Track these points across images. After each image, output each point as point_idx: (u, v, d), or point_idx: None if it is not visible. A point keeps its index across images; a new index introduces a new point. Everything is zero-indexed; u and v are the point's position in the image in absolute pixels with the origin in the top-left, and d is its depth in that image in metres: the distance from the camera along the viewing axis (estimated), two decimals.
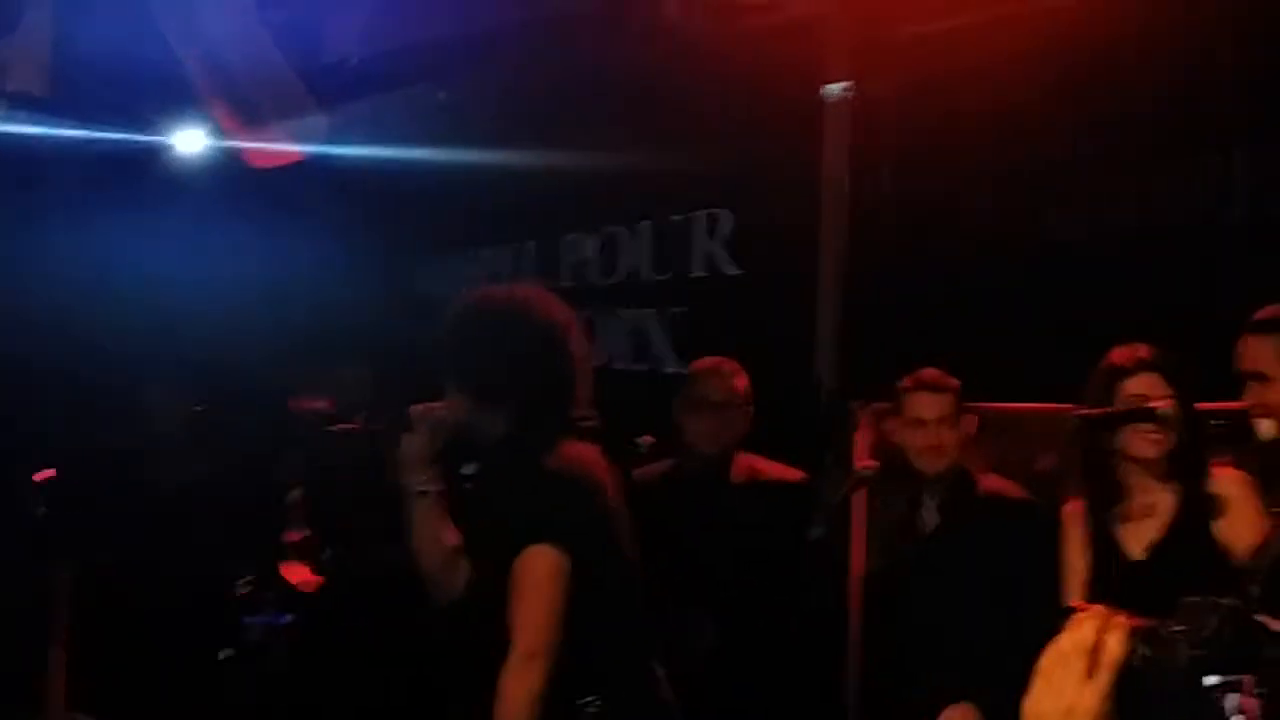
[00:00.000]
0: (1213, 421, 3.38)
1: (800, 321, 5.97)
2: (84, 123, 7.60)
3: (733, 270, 6.54)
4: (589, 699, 3.28)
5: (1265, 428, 3.10)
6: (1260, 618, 1.43)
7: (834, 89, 5.93)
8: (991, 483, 4.45)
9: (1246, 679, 1.40)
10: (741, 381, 4.87)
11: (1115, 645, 1.43)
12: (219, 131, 8.06)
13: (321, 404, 5.20)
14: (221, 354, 6.62)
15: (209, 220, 7.94)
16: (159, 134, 8.19)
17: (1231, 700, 1.40)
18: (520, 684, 3.17)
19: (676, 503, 4.80)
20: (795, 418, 5.65)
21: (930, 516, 4.41)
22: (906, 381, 4.46)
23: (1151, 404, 3.59)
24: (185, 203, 8.05)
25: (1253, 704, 1.39)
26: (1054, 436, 4.08)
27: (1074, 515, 3.85)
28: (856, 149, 5.93)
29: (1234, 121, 4.90)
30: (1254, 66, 4.82)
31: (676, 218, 6.77)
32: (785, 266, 6.19)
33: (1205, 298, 4.69)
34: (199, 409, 5.39)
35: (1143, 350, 3.74)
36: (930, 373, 4.44)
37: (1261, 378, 3.50)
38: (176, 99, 7.80)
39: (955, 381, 4.41)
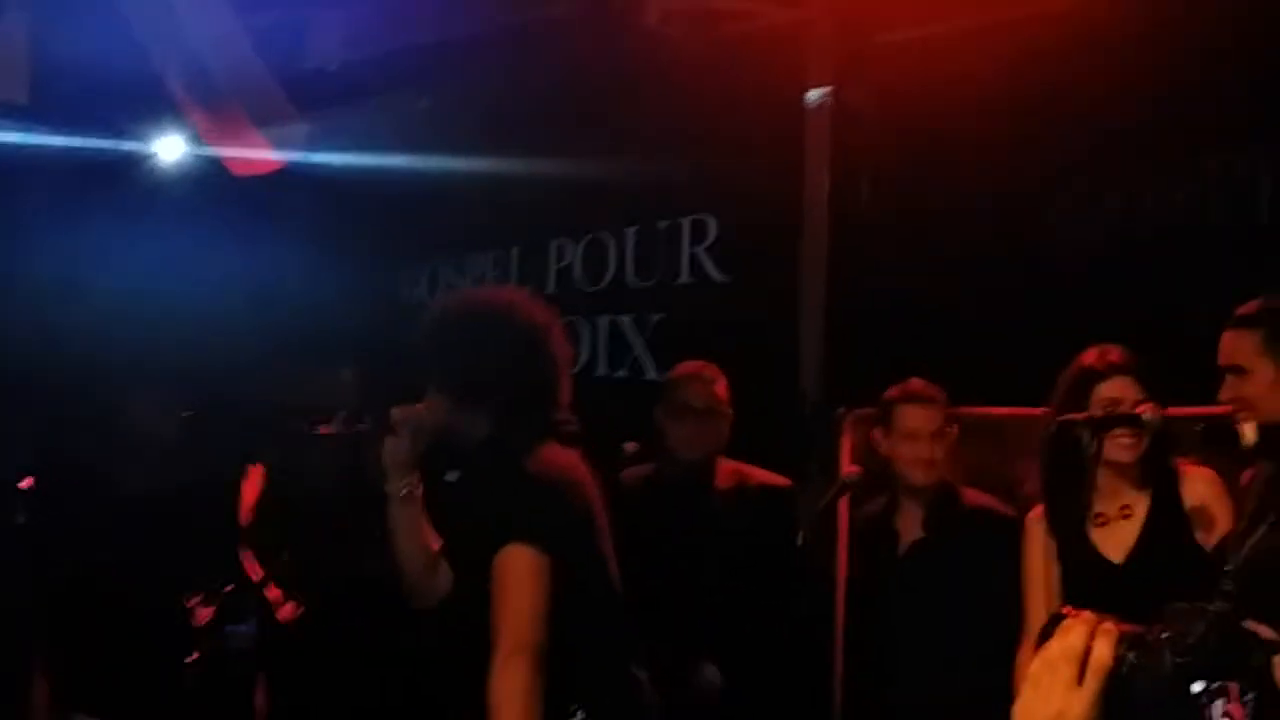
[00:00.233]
0: (1197, 426, 3.39)
1: (784, 327, 5.97)
2: (63, 130, 7.58)
3: (716, 276, 6.54)
4: (573, 708, 3.27)
5: (1249, 433, 3.10)
6: (1249, 624, 1.43)
7: (815, 95, 5.94)
8: (975, 497, 4.47)
9: (1233, 686, 1.40)
10: (722, 386, 4.86)
11: (1104, 651, 1.43)
12: (199, 139, 8.04)
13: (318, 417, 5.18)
14: (205, 361, 6.60)
15: (190, 228, 7.91)
16: (139, 141, 8.17)
17: (1218, 707, 1.40)
18: (510, 682, 3.15)
19: (662, 507, 4.79)
20: (780, 424, 5.65)
21: (912, 528, 4.41)
22: (894, 392, 4.46)
23: (1136, 409, 3.60)
24: (166, 210, 8.02)
25: (1239, 710, 1.40)
26: (1033, 441, 4.08)
27: (1038, 521, 3.85)
28: (837, 155, 5.93)
29: (1218, 127, 4.92)
30: (1236, 73, 4.84)
31: (662, 224, 6.77)
32: (769, 272, 6.20)
33: (1191, 301, 4.71)
34: (185, 415, 5.37)
35: (1114, 353, 3.75)
36: (918, 384, 4.44)
37: (1239, 371, 3.50)
38: (156, 106, 7.78)
39: (942, 393, 4.42)
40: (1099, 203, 5.29)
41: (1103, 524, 3.78)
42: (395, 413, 3.46)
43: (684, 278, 6.68)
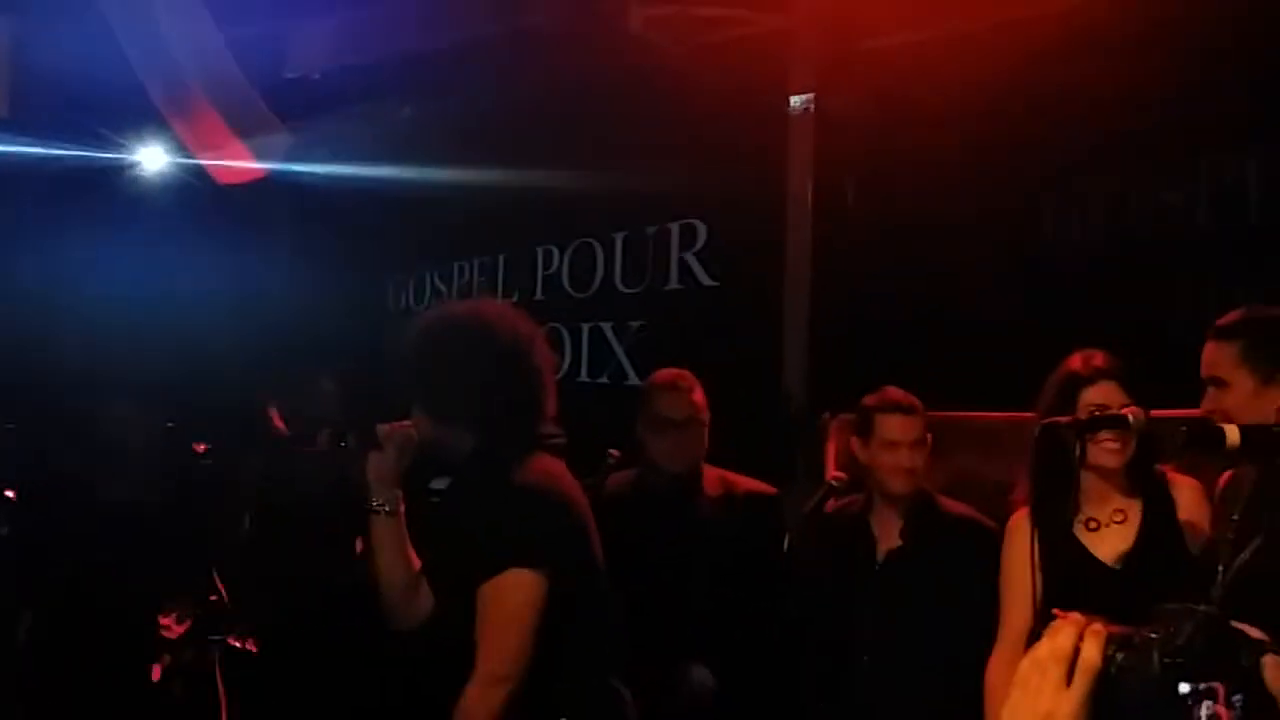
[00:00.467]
0: (1181, 429, 3.40)
1: (770, 333, 5.98)
2: (45, 140, 7.56)
3: (703, 282, 6.55)
4: None
5: (1232, 435, 3.11)
6: (1239, 625, 1.43)
7: (798, 102, 5.96)
8: (952, 506, 4.48)
9: (1220, 687, 1.39)
10: (699, 394, 4.82)
11: (1092, 653, 1.43)
12: (182, 148, 8.03)
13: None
14: (189, 370, 6.58)
15: (174, 238, 7.90)
16: (122, 151, 8.16)
17: (1205, 708, 1.40)
18: (484, 706, 3.15)
19: (649, 515, 4.78)
20: (765, 429, 5.66)
21: (890, 536, 4.41)
22: (872, 400, 4.44)
23: (1121, 411, 3.61)
24: (149, 220, 8.01)
25: (1226, 712, 1.40)
26: (1014, 445, 4.09)
27: (1021, 525, 3.85)
28: (821, 161, 5.95)
29: (1208, 129, 4.95)
30: (1226, 75, 4.86)
31: (649, 230, 6.78)
32: (754, 278, 6.21)
33: (1181, 304, 4.74)
34: (169, 426, 5.35)
35: (1099, 358, 3.76)
36: (896, 392, 4.42)
37: (1220, 383, 3.52)
38: (139, 116, 7.77)
39: (919, 402, 4.42)
40: (1085, 207, 5.30)
41: (1095, 528, 3.78)
42: (380, 429, 3.44)
43: (672, 283, 6.68)
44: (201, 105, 7.37)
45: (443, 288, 7.81)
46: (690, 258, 6.58)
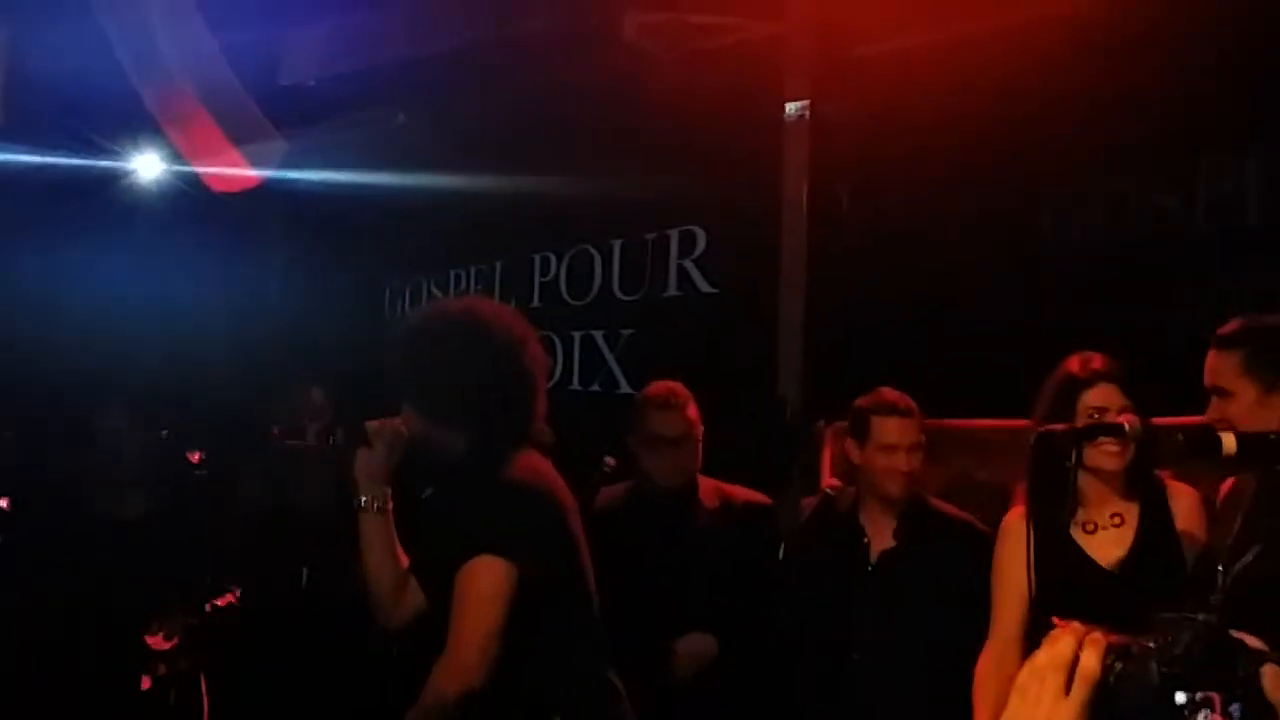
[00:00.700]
0: (1178, 436, 3.40)
1: (766, 340, 5.97)
2: (40, 147, 7.55)
3: (701, 289, 6.55)
4: (554, 718, 3.26)
5: (1229, 442, 3.11)
6: (1238, 634, 1.43)
7: (793, 108, 5.95)
8: (944, 507, 4.48)
9: (1216, 697, 1.39)
10: (693, 410, 4.80)
11: (1091, 661, 1.42)
12: (177, 156, 8.02)
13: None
14: (183, 379, 6.57)
15: (168, 245, 7.89)
16: (117, 159, 8.15)
17: (1202, 717, 1.40)
18: (446, 687, 3.15)
19: (645, 526, 4.77)
20: (762, 437, 5.66)
21: (884, 538, 4.41)
22: (866, 402, 4.44)
23: (1118, 419, 3.61)
24: (144, 228, 8.00)
25: None
26: (1014, 452, 4.09)
27: (1017, 527, 3.84)
28: (816, 167, 5.94)
29: (1207, 131, 4.95)
30: (1225, 77, 4.87)
31: (649, 236, 6.78)
32: (749, 285, 6.20)
33: (1174, 312, 4.74)
34: (163, 434, 5.34)
35: (1098, 361, 3.76)
36: (891, 394, 4.42)
37: (1223, 393, 3.53)
38: (134, 124, 7.76)
39: (915, 404, 4.42)
40: (1081, 211, 5.31)
41: (1092, 531, 3.78)
42: (370, 426, 3.44)
43: (671, 290, 6.68)
44: (197, 112, 7.36)
45: (439, 295, 7.81)
46: (689, 264, 6.58)
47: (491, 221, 7.43)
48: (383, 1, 7.53)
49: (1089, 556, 3.77)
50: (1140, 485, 3.78)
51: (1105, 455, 3.72)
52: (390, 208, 7.79)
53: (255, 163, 7.81)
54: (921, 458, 4.39)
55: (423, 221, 7.76)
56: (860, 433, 4.42)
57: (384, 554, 3.46)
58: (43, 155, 7.57)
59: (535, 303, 7.22)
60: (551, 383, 3.81)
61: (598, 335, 6.93)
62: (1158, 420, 3.71)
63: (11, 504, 5.23)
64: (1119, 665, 1.42)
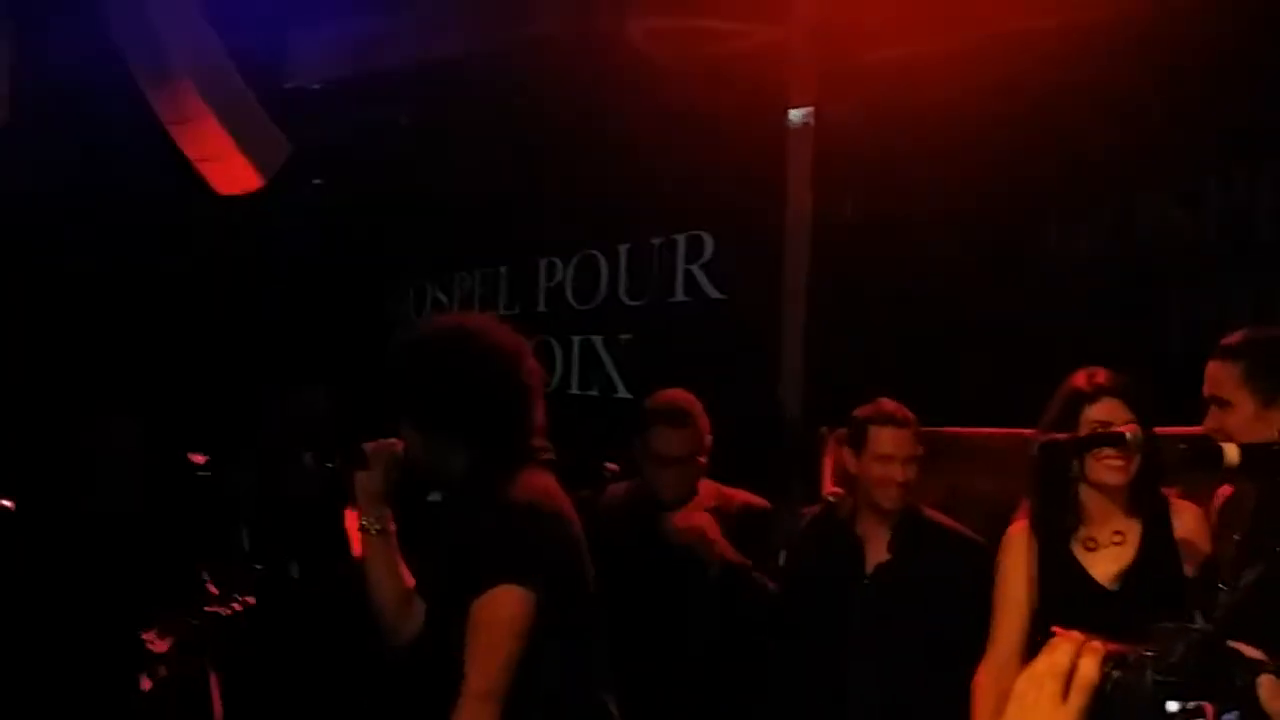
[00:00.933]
0: (1180, 445, 3.40)
1: (769, 346, 5.98)
2: (45, 149, 7.55)
3: (697, 296, 6.55)
4: None
5: (1230, 453, 3.11)
6: (1235, 645, 1.43)
7: (796, 115, 5.96)
8: (939, 519, 4.48)
9: (1208, 706, 1.40)
10: (702, 423, 4.79)
11: (1089, 669, 1.43)
12: (182, 157, 8.01)
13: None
14: (184, 381, 6.58)
15: (172, 247, 7.91)
16: (123, 161, 8.14)
17: None
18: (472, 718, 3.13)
19: (645, 529, 4.77)
20: (762, 443, 5.66)
21: (879, 549, 4.42)
22: (866, 412, 4.44)
23: (1120, 429, 3.60)
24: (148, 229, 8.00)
25: None
26: (1015, 461, 4.09)
27: (1019, 540, 3.84)
28: (820, 174, 5.95)
29: (1205, 147, 4.95)
30: (1237, 89, 4.87)
31: (656, 241, 6.78)
32: (753, 291, 6.21)
33: (1178, 325, 4.74)
34: (163, 436, 5.34)
35: (1102, 375, 3.75)
36: (889, 405, 4.42)
37: (1222, 403, 3.53)
38: (140, 126, 7.76)
39: (913, 415, 4.41)
40: (1087, 221, 5.30)
41: (1093, 549, 3.77)
42: (368, 446, 3.42)
43: (665, 296, 6.69)
44: (201, 114, 7.37)
45: (443, 298, 7.81)
46: (697, 269, 6.59)
47: (496, 225, 7.44)
48: (388, 5, 7.55)
49: (1088, 574, 3.76)
50: (1144, 502, 3.77)
51: (1108, 469, 3.70)
52: (394, 211, 7.79)
53: (260, 165, 7.81)
54: (917, 469, 4.38)
55: (426, 224, 7.77)
56: (857, 442, 4.42)
57: (388, 574, 3.45)
58: (47, 157, 7.56)
59: (541, 307, 7.23)
60: (551, 388, 3.80)
61: (597, 340, 6.94)
62: (1159, 430, 3.71)
63: (16, 504, 5.24)
64: (1116, 673, 1.43)
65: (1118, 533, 3.76)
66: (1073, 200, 5.33)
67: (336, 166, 7.95)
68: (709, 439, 4.78)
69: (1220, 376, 3.56)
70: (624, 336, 6.80)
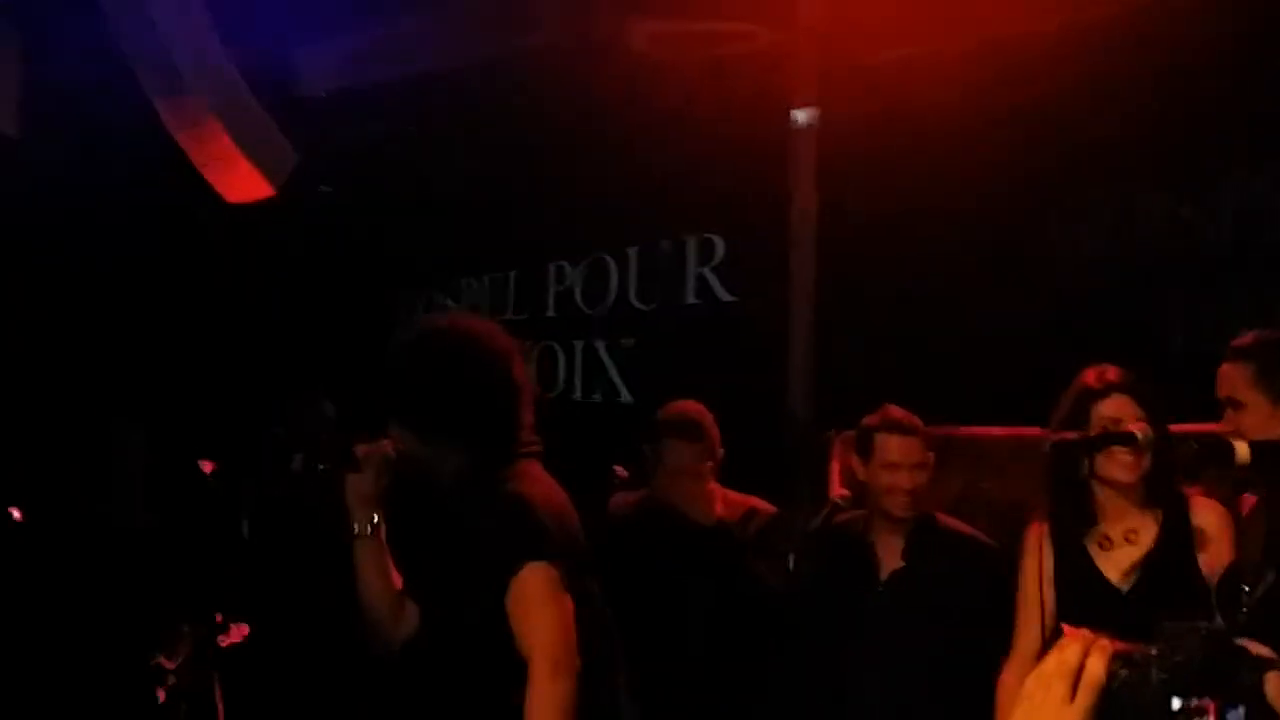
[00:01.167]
0: (1192, 443, 3.39)
1: (776, 348, 5.97)
2: (53, 159, 7.57)
3: (702, 299, 6.55)
4: None
5: (1241, 451, 3.11)
6: (1243, 642, 1.43)
7: (801, 116, 5.95)
8: (954, 525, 4.47)
9: (1211, 704, 1.39)
10: (714, 434, 4.80)
11: (1097, 668, 1.42)
12: (191, 166, 8.03)
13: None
14: (193, 389, 6.58)
15: (179, 256, 7.93)
16: (130, 170, 8.15)
17: None
18: (552, 701, 3.12)
19: (655, 533, 4.78)
20: (769, 446, 5.65)
21: (892, 557, 4.41)
22: (873, 420, 4.43)
23: (1130, 428, 3.59)
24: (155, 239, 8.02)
25: None
26: (1022, 461, 4.08)
27: (1036, 541, 3.84)
28: (824, 175, 5.94)
29: (1209, 148, 4.95)
30: (1221, 97, 4.86)
31: (664, 243, 6.79)
32: (760, 294, 6.21)
33: (1184, 325, 4.73)
34: (174, 445, 5.35)
35: (1112, 373, 3.75)
36: (898, 412, 4.41)
37: (1236, 404, 3.54)
38: (147, 135, 7.78)
39: (921, 422, 4.41)
40: (1091, 221, 5.30)
41: (1107, 548, 3.76)
42: (359, 449, 3.43)
43: (689, 298, 6.69)
44: (210, 123, 7.38)
45: (451, 305, 7.82)
46: (708, 273, 6.59)
47: (504, 231, 7.45)
48: (395, 15, 7.56)
49: (1101, 573, 3.75)
50: (1159, 499, 3.75)
51: (1119, 466, 3.69)
52: (402, 217, 7.81)
53: (268, 174, 7.82)
54: (927, 476, 4.37)
55: (435, 230, 7.79)
56: (865, 451, 4.41)
57: (379, 577, 3.44)
58: (55, 167, 7.58)
59: (550, 312, 7.24)
60: (556, 392, 3.81)
61: (600, 345, 6.95)
62: (1171, 427, 3.70)
63: (23, 514, 5.24)
64: (1123, 672, 1.43)
65: (1132, 531, 3.75)
66: (1077, 200, 5.33)
67: (344, 174, 7.96)
68: (720, 451, 4.78)
69: (1233, 378, 3.57)
70: (625, 341, 6.80)
